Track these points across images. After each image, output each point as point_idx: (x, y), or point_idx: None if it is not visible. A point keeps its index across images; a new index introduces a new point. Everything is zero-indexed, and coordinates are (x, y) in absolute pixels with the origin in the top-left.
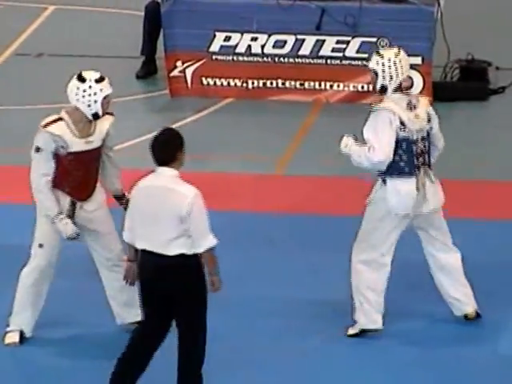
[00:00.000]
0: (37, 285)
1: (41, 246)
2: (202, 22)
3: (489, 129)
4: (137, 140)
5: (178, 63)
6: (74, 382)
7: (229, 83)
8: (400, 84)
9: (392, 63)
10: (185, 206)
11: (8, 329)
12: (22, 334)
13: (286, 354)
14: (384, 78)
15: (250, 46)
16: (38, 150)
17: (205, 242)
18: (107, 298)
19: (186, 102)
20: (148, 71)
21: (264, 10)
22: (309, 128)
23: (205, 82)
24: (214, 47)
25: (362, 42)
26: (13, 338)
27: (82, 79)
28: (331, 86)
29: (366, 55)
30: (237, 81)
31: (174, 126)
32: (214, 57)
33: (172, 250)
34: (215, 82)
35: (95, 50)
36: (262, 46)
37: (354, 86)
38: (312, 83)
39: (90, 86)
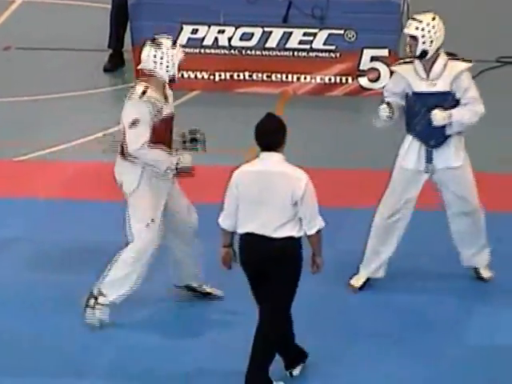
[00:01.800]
0: (147, 261)
1: (153, 220)
2: (169, 14)
3: None
4: (104, 132)
5: None
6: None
7: (196, 76)
8: (438, 48)
9: (431, 27)
10: (300, 190)
11: (101, 301)
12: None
13: None
14: (424, 42)
15: (217, 39)
16: (136, 122)
17: (316, 223)
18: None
19: None
20: (115, 64)
21: (231, 3)
22: None
23: None
24: (182, 40)
25: (329, 35)
26: (105, 314)
27: (158, 45)
28: (298, 79)
29: (332, 47)
30: (204, 73)
31: None
32: (181, 49)
33: (280, 233)
34: (182, 75)
35: (62, 43)
36: (229, 39)
37: (320, 78)
38: (279, 75)
39: (167, 50)
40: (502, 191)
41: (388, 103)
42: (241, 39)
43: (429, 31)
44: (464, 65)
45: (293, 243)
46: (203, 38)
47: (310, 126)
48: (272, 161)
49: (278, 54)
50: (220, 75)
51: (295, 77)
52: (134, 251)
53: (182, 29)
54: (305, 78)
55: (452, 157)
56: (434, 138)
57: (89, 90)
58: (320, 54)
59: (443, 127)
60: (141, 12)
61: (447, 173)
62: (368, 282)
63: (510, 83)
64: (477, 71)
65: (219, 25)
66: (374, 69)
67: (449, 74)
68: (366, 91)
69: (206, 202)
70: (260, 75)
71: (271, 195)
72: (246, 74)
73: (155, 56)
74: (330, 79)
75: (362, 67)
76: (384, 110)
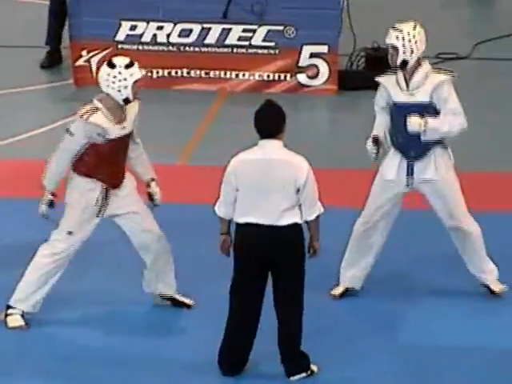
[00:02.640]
0: (54, 270)
1: (70, 233)
2: (107, 10)
3: None
4: (40, 130)
5: (84, 52)
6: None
7: None
8: (419, 58)
9: (412, 36)
10: (303, 176)
11: (11, 311)
12: (22, 315)
13: None
14: (405, 52)
15: (155, 35)
16: (69, 132)
17: (316, 209)
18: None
19: (92, 91)
20: (53, 61)
21: None
22: (213, 117)
23: None
24: (120, 36)
25: (269, 31)
26: (18, 321)
27: (111, 65)
28: (237, 75)
29: (272, 44)
30: (142, 70)
31: None
32: (119, 46)
33: (285, 221)
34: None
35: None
36: (168, 35)
37: (259, 75)
38: (217, 72)
39: (119, 72)
40: None
41: (375, 139)
42: (179, 36)
43: (409, 40)
44: (445, 76)
45: (297, 230)
46: (142, 35)
47: (249, 124)
48: (273, 148)
49: (217, 50)
50: (158, 72)
51: (234, 73)
52: (42, 254)
53: (120, 25)
54: (243, 75)
55: (431, 169)
56: (413, 149)
57: (25, 87)
58: (259, 51)
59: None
60: (80, 8)
61: (425, 185)
62: (347, 291)
63: None
64: None
65: (158, 21)
66: (313, 65)
67: (429, 85)
68: (305, 88)
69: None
70: (198, 72)
71: (274, 183)
72: (185, 70)
73: (108, 77)
74: (268, 76)
75: (301, 64)
76: (371, 148)
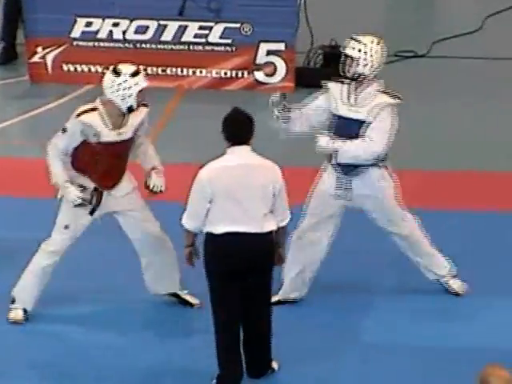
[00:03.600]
0: (52, 266)
1: (66, 227)
2: (63, 7)
3: None
4: None
5: (39, 49)
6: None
7: (90, 69)
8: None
9: (370, 50)
10: (278, 181)
11: (13, 306)
12: (25, 311)
13: None
14: (359, 64)
15: (111, 32)
16: (64, 130)
17: (287, 215)
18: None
19: (47, 88)
20: (8, 57)
21: None
22: (171, 115)
23: (65, 68)
24: (75, 33)
25: (225, 28)
26: (18, 315)
27: (117, 73)
28: (194, 72)
29: (229, 41)
30: (98, 67)
31: (34, 113)
32: (75, 42)
33: (267, 227)
34: (76, 68)
35: None
36: (124, 32)
37: (216, 72)
38: (174, 69)
39: (125, 80)
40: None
41: (283, 95)
42: (136, 32)
43: (371, 55)
44: (391, 100)
45: (271, 236)
46: (97, 31)
47: (206, 121)
48: (244, 154)
49: (174, 47)
50: None
51: (191, 71)
52: (42, 250)
53: (75, 21)
54: (201, 72)
55: (367, 186)
56: (348, 167)
57: None
58: (216, 48)
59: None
60: (35, 4)
61: (366, 200)
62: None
63: (407, 76)
64: None
65: (114, 17)
66: (270, 63)
67: (374, 104)
68: (262, 85)
69: None
70: (155, 69)
71: (254, 189)
72: (141, 67)
73: (112, 85)
74: (226, 73)
75: (258, 61)
76: (276, 99)
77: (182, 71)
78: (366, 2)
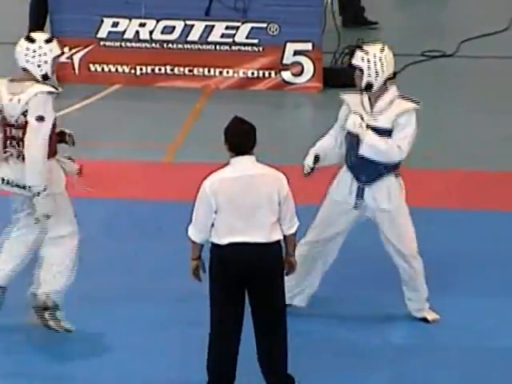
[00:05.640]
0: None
1: (48, 217)
2: (89, 7)
3: None
4: None
5: (66, 49)
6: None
7: (117, 69)
8: (385, 81)
9: (378, 59)
10: (284, 189)
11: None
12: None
13: None
14: (370, 75)
15: (138, 32)
16: (41, 118)
17: (295, 222)
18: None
19: (74, 88)
20: None
21: None
22: (198, 115)
23: (92, 68)
24: (102, 33)
25: (252, 28)
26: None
27: (31, 40)
28: (220, 73)
29: (255, 41)
30: (125, 67)
31: (61, 114)
32: (101, 43)
33: (274, 236)
34: (103, 69)
35: None
36: (151, 32)
37: (243, 72)
38: (201, 69)
39: (40, 47)
40: (425, 186)
41: (316, 157)
42: (162, 32)
43: (374, 63)
44: (411, 105)
45: (279, 245)
46: (124, 32)
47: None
48: (248, 164)
49: (200, 47)
50: (141, 69)
51: (217, 71)
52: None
53: (102, 22)
54: (227, 72)
55: (384, 198)
56: (365, 173)
57: None
58: (243, 48)
59: (376, 164)
60: (61, 4)
61: (378, 214)
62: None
63: (434, 76)
64: (402, 65)
65: (140, 18)
66: (297, 63)
67: (393, 112)
68: (289, 85)
69: (126, 196)
70: (182, 69)
71: (260, 198)
72: (168, 67)
73: (27, 52)
74: (252, 73)
75: (285, 61)
76: (308, 165)
77: (208, 71)
78: (392, 2)
